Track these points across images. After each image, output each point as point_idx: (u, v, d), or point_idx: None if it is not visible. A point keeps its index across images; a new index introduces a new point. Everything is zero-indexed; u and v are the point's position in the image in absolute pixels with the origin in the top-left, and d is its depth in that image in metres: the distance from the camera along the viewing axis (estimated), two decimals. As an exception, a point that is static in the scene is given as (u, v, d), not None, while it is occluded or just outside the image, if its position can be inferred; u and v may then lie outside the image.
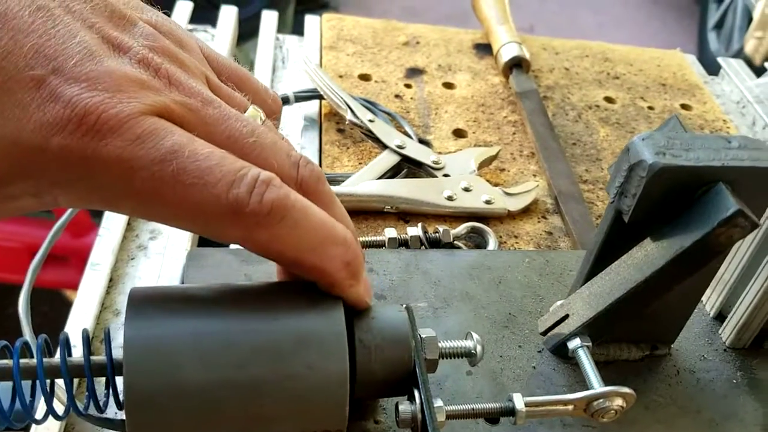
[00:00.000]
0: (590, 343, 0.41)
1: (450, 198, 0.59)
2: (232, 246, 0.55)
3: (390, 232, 0.54)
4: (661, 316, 0.46)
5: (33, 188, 0.29)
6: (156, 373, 0.32)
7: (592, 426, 0.43)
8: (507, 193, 0.61)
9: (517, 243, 0.58)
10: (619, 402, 0.38)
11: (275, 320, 0.34)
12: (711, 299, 0.52)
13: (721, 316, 0.52)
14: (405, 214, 0.59)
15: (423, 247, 0.54)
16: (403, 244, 0.54)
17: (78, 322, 0.47)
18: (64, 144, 0.28)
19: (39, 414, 0.35)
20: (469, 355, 0.39)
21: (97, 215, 0.51)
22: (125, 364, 0.32)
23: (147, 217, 0.31)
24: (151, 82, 0.30)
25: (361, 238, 0.54)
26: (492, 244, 0.56)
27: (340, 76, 0.74)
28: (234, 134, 0.32)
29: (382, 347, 0.36)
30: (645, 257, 0.39)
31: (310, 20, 0.83)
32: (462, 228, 0.57)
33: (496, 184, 0.62)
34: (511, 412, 0.37)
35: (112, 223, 0.54)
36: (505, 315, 0.50)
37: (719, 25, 2.90)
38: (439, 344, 0.38)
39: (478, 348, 0.39)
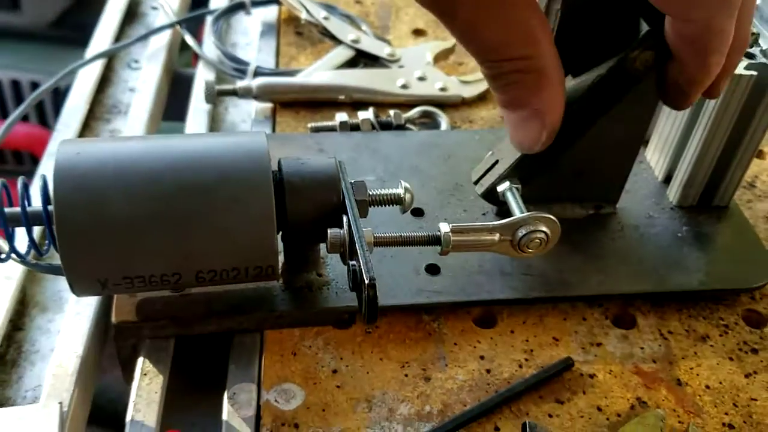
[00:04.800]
0: (519, 185, 0.42)
1: (404, 86, 0.60)
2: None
3: (341, 116, 0.55)
4: (601, 173, 0.47)
5: None
6: (84, 207, 0.34)
7: (531, 275, 0.45)
8: (462, 81, 0.61)
9: (471, 127, 0.59)
10: (543, 228, 0.38)
11: (200, 158, 0.35)
12: (659, 163, 0.53)
13: (668, 179, 0.52)
14: (359, 104, 0.59)
15: (374, 129, 0.55)
16: (355, 128, 0.55)
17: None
18: None
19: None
20: (398, 201, 0.40)
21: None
22: (54, 201, 0.33)
23: None
24: None
25: (311, 124, 0.55)
26: (444, 126, 0.57)
27: (301, -14, 0.75)
28: None
29: (311, 188, 0.38)
30: (567, 91, 0.39)
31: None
32: (414, 112, 0.58)
33: (452, 76, 0.63)
34: (437, 240, 0.38)
35: (70, 119, 0.55)
36: (452, 185, 0.51)
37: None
38: (370, 192, 0.39)
39: (407, 195, 0.40)
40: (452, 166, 0.52)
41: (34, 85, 1.29)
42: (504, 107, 0.37)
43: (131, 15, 0.71)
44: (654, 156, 0.53)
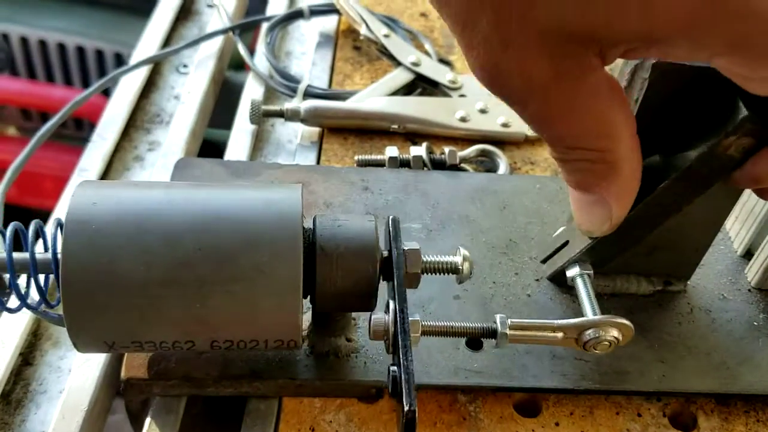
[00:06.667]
0: (591, 271, 0.38)
1: (463, 119, 0.55)
2: (227, 157, 0.52)
3: (391, 151, 0.51)
4: (676, 248, 0.42)
5: None
6: (94, 268, 0.30)
7: (585, 360, 0.40)
8: (527, 117, 0.56)
9: (532, 170, 0.54)
10: (614, 333, 0.34)
11: (225, 218, 0.32)
12: (740, 235, 0.47)
13: (749, 254, 0.47)
14: (413, 135, 0.55)
15: (425, 168, 0.51)
16: (405, 164, 0.51)
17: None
18: None
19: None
20: (455, 271, 0.36)
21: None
22: (62, 258, 0.30)
23: None
24: None
25: (358, 156, 0.51)
26: (503, 168, 0.52)
27: (364, -7, 0.70)
28: None
29: (345, 257, 0.34)
30: (648, 176, 0.35)
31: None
32: (471, 150, 0.53)
33: (517, 108, 0.58)
34: (492, 333, 0.34)
35: (107, 131, 0.53)
36: (505, 241, 0.46)
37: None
38: (423, 258, 0.35)
39: (466, 265, 0.36)
40: (507, 218, 0.48)
41: (99, 53, 1.29)
42: (569, 186, 0.33)
43: (185, 12, 0.68)
44: (735, 227, 0.48)
